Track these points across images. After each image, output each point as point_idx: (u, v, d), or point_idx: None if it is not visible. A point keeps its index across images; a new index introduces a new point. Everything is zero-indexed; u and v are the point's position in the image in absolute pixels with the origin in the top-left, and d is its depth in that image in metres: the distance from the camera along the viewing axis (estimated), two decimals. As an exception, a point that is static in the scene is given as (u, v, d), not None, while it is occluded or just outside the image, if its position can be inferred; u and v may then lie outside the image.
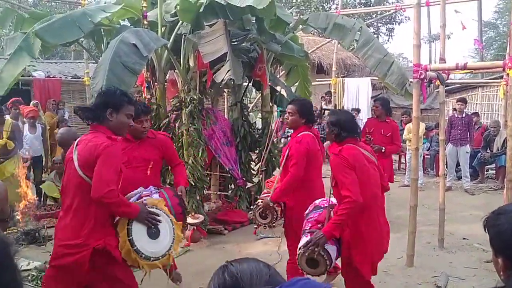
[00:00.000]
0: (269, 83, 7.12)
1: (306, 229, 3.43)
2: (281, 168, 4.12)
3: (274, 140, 7.74)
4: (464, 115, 9.07)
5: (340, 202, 3.20)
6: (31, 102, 9.44)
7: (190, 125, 6.04)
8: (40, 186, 7.30)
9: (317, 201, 3.72)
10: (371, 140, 6.27)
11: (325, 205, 3.56)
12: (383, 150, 6.27)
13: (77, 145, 2.96)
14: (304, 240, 3.29)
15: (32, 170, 7.67)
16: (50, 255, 5.29)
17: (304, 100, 4.46)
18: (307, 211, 3.67)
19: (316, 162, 4.12)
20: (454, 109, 10.02)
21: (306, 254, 3.19)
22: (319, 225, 3.36)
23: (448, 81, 7.31)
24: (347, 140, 3.37)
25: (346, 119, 3.46)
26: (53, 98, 10.95)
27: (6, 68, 5.88)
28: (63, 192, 3.04)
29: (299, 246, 3.30)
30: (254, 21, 6.43)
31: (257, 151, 7.11)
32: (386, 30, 25.04)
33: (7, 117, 7.54)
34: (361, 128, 6.86)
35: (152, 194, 3.29)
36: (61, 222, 2.99)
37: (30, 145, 7.51)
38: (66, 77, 13.05)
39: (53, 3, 22.49)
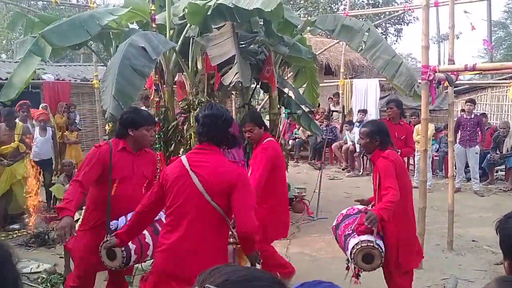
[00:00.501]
0: (277, 85, 7.13)
1: (349, 233, 3.45)
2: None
3: (282, 142, 7.75)
4: (472, 116, 9.01)
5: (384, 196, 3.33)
6: (41, 105, 9.52)
7: (198, 127, 6.06)
8: (50, 189, 7.35)
9: (343, 211, 3.78)
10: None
11: (354, 212, 3.66)
12: (398, 153, 6.14)
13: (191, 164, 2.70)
14: (354, 240, 3.33)
15: (42, 172, 7.73)
16: (60, 257, 5.38)
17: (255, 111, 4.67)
18: (335, 222, 3.76)
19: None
20: (463, 110, 9.95)
21: (364, 246, 3.26)
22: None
23: (457, 82, 7.28)
24: (389, 146, 3.62)
25: (384, 127, 3.75)
26: (63, 100, 11.03)
27: (17, 72, 5.95)
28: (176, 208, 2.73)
29: (351, 246, 3.32)
30: (262, 24, 6.43)
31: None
32: (395, 30, 24.91)
33: (17, 120, 7.63)
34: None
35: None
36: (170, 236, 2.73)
37: (40, 148, 7.56)
38: (75, 80, 13.14)
39: (62, 7, 22.69)
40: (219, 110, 2.82)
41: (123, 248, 3.08)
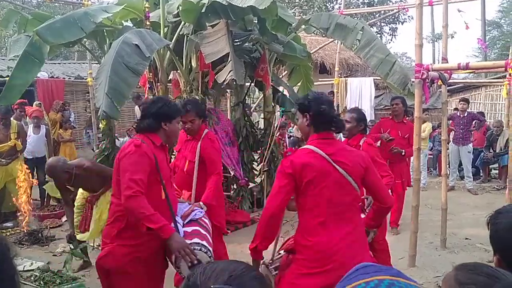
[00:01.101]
0: (271, 83, 7.13)
1: None
2: None
3: (277, 140, 7.75)
4: (466, 114, 9.05)
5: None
6: (34, 103, 9.46)
7: (193, 125, 6.05)
8: (43, 187, 7.32)
9: None
10: (391, 140, 5.97)
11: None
12: (403, 153, 5.94)
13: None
14: None
15: (36, 170, 7.70)
16: (54, 255, 5.36)
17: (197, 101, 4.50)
18: None
19: None
20: (456, 109, 9.99)
21: None
22: None
23: (451, 80, 7.29)
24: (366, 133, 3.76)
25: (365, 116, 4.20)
26: (57, 98, 10.98)
27: (17, 74, 5.89)
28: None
29: None
30: (256, 22, 6.44)
31: (260, 151, 7.12)
32: (389, 29, 25.04)
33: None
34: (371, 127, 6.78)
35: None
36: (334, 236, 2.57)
37: (34, 146, 7.53)
38: (69, 78, 13.09)
39: (56, 4, 22.58)
40: (326, 96, 2.82)
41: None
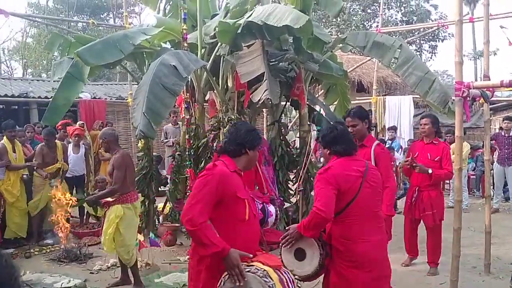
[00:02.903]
0: (307, 102, 7.10)
1: None
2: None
3: (312, 159, 7.67)
4: (510, 133, 8.71)
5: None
6: (78, 123, 9.78)
7: (228, 144, 6.07)
8: (83, 205, 7.48)
9: None
10: (415, 167, 5.29)
11: None
12: (429, 172, 5.22)
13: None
14: None
15: (75, 189, 7.90)
16: (91, 272, 5.45)
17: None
18: None
19: None
20: (501, 128, 9.64)
21: None
22: None
23: (494, 98, 7.05)
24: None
25: None
26: (98, 118, 11.31)
27: (60, 95, 6.11)
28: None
29: None
30: (291, 41, 6.45)
31: (295, 171, 7.06)
32: (429, 47, 24.60)
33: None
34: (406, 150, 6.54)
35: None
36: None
37: (73, 165, 7.74)
38: (111, 98, 13.48)
39: (100, 28, 23.46)
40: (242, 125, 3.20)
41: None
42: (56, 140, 7.20)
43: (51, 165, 6.88)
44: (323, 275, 3.29)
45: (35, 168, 6.78)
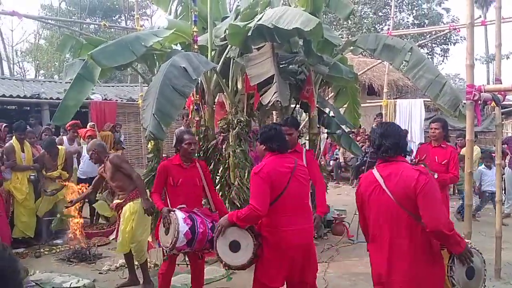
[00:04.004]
0: (317, 105, 7.09)
1: None
2: None
3: (322, 162, 7.66)
4: (524, 138, 8.62)
5: None
6: (88, 124, 9.86)
7: (237, 147, 6.09)
8: (93, 205, 7.55)
9: None
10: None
11: None
12: (435, 176, 4.94)
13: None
14: None
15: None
16: (100, 273, 5.49)
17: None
18: None
19: None
20: (513, 132, 9.54)
21: None
22: None
23: (507, 102, 7.00)
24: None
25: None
26: (109, 119, 11.41)
27: (70, 96, 6.16)
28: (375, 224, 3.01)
29: None
30: (301, 44, 6.45)
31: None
32: (441, 50, 24.40)
33: (64, 139, 7.92)
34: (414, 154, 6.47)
35: None
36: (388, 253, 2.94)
37: (87, 166, 7.79)
38: (121, 100, 13.57)
39: (112, 30, 23.64)
40: (396, 125, 3.24)
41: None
42: (61, 146, 7.23)
43: (52, 171, 6.93)
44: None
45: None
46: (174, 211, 4.09)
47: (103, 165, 5.17)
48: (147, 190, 5.05)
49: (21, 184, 6.68)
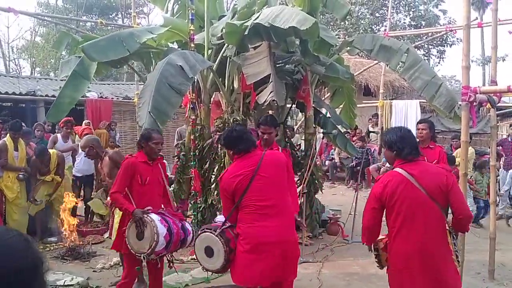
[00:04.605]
0: (313, 105, 7.09)
1: None
2: None
3: (317, 162, 7.66)
4: (518, 140, 8.65)
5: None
6: (84, 122, 9.82)
7: (233, 145, 6.07)
8: (88, 203, 7.52)
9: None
10: None
11: None
12: None
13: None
14: None
15: (83, 188, 7.94)
16: (94, 271, 5.46)
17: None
18: None
19: None
20: (509, 135, 9.58)
21: None
22: None
23: (502, 104, 7.02)
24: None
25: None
26: (105, 117, 11.36)
27: (66, 93, 6.12)
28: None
29: None
30: (298, 43, 6.45)
31: (299, 173, 7.04)
32: (437, 52, 24.47)
33: (58, 136, 7.87)
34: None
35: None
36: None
37: (83, 164, 7.75)
38: (117, 98, 13.53)
39: (109, 27, 23.57)
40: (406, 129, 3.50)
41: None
42: (52, 151, 7.12)
43: (46, 175, 6.86)
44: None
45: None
46: (148, 212, 3.93)
47: (100, 161, 5.11)
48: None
49: (12, 183, 6.60)
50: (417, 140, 5.66)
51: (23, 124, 7.43)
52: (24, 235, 1.21)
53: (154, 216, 3.91)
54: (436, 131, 16.35)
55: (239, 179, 3.46)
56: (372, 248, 3.48)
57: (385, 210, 3.26)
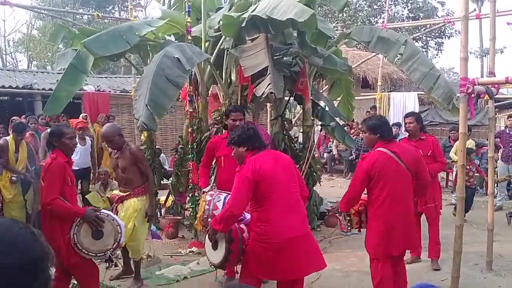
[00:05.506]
0: (311, 97, 7.07)
1: None
2: None
3: (316, 155, 7.66)
4: (516, 131, 8.64)
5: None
6: (81, 115, 9.80)
7: (231, 138, 6.06)
8: (86, 197, 7.51)
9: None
10: None
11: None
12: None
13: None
14: None
15: (80, 181, 7.92)
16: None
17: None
18: None
19: None
20: (506, 126, 9.57)
21: None
22: None
23: (500, 96, 7.01)
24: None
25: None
26: (102, 111, 11.33)
27: (63, 86, 6.07)
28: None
29: None
30: (295, 35, 6.42)
31: (298, 166, 7.04)
32: (435, 44, 24.43)
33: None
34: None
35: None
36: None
37: (80, 157, 7.72)
38: (115, 91, 13.49)
39: (106, 21, 23.46)
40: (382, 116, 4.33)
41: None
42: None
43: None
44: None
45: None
46: (99, 209, 4.05)
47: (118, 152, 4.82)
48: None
49: (11, 183, 6.57)
50: (407, 133, 5.81)
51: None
52: (31, 228, 1.21)
53: (104, 211, 4.06)
54: (434, 123, 16.39)
55: (264, 172, 3.41)
56: (344, 214, 4.26)
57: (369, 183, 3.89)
